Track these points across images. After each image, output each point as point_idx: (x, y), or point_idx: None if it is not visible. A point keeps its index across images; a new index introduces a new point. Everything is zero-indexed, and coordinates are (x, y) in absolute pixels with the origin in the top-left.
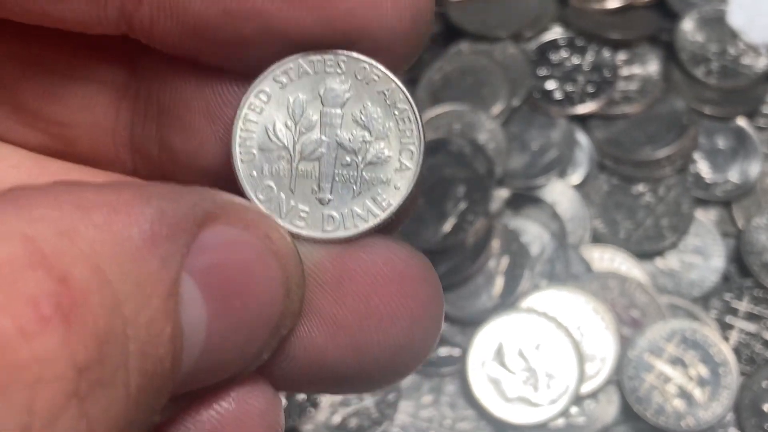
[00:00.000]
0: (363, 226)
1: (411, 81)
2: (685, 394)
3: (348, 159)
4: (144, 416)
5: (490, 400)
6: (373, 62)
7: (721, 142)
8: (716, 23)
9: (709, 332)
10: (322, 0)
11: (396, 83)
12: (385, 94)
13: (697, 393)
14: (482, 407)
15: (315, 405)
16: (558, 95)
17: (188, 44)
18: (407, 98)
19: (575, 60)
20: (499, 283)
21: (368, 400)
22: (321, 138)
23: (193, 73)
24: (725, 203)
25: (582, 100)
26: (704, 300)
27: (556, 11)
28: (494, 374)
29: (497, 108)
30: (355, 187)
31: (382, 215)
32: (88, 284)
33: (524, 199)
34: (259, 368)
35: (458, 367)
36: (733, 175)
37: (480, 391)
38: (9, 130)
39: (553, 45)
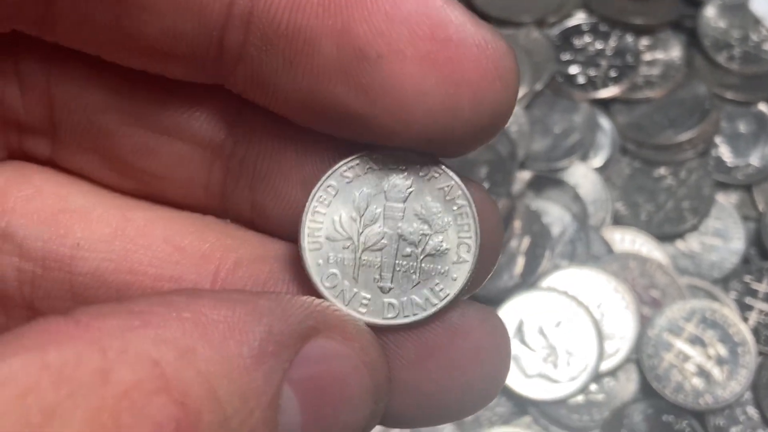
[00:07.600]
0: (421, 315)
1: None
2: (703, 373)
3: (408, 250)
4: None
5: (510, 376)
6: (434, 160)
7: (743, 127)
8: (739, 9)
9: (729, 312)
10: (402, 102)
11: (455, 181)
12: (444, 191)
13: (716, 372)
14: None
15: None
16: (581, 80)
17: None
18: (465, 195)
19: (598, 45)
20: (520, 262)
21: None
22: (384, 230)
23: (293, 143)
24: (746, 187)
25: (605, 85)
26: (724, 281)
27: None
28: (515, 351)
29: (520, 92)
30: (414, 277)
31: (439, 304)
32: (202, 404)
33: (546, 181)
34: None
35: None
36: (754, 159)
37: None
38: (103, 177)
39: (577, 30)
